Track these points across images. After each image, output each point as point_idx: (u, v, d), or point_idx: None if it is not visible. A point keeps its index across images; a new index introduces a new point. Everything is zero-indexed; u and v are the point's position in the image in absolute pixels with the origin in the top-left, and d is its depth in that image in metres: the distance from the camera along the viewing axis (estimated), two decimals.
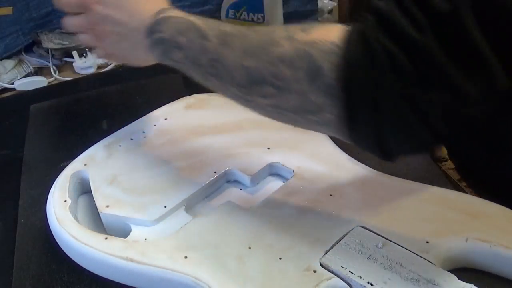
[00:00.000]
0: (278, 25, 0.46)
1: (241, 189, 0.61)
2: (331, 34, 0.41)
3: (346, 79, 0.39)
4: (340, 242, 0.51)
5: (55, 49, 1.01)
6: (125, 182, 0.60)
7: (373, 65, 0.38)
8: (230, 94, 0.49)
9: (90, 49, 0.63)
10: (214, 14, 1.05)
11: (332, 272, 0.48)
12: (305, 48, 0.41)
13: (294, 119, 0.46)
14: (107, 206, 0.57)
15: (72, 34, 1.02)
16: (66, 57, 1.02)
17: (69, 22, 0.65)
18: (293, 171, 0.60)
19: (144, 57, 0.58)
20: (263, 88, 0.45)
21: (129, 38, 0.58)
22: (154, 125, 0.69)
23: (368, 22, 0.40)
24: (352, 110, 0.40)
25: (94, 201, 0.58)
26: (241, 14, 0.78)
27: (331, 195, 0.57)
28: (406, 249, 0.50)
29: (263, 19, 0.77)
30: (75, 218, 0.57)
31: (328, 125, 0.43)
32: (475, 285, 0.46)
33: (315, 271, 0.49)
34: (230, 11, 0.79)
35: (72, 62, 1.00)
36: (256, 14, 0.77)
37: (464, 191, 0.62)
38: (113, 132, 0.68)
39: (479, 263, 0.51)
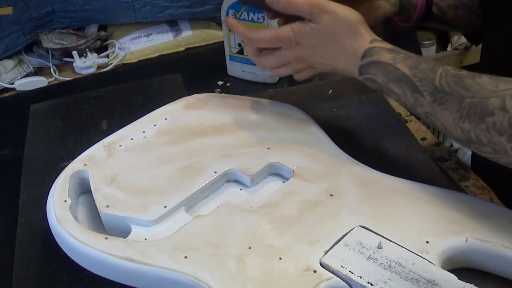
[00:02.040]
0: (488, 83, 0.50)
1: (241, 189, 0.61)
2: None
3: None
4: (340, 242, 0.51)
5: (55, 49, 1.01)
6: (125, 182, 0.60)
7: None
8: (449, 137, 0.54)
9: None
10: (214, 14, 1.05)
11: (332, 272, 0.49)
12: None
13: (507, 165, 0.50)
14: (107, 206, 0.57)
15: (74, 35, 1.03)
16: (66, 57, 1.02)
17: (268, 60, 0.64)
18: (293, 171, 0.60)
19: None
20: (480, 147, 0.50)
21: (340, 71, 0.61)
22: (154, 125, 0.69)
23: None
24: None
25: (94, 201, 0.58)
26: (241, 14, 0.79)
27: (331, 195, 0.57)
28: (406, 249, 0.50)
29: (263, 19, 0.77)
30: (75, 218, 0.57)
31: None
32: (475, 285, 0.46)
33: (315, 271, 0.49)
34: (230, 11, 0.79)
35: (72, 62, 1.00)
36: (256, 14, 0.77)
37: (464, 191, 0.62)
38: (113, 132, 0.68)
39: (479, 263, 0.51)
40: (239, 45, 0.85)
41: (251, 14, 0.78)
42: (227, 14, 0.81)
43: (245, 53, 0.84)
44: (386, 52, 0.56)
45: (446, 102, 0.51)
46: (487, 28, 0.70)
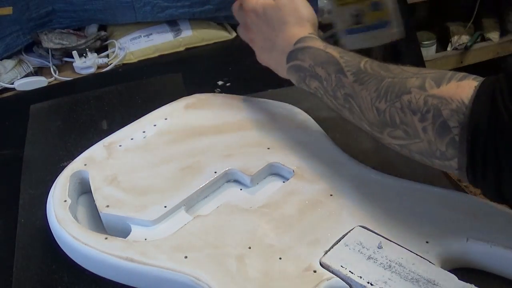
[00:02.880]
0: (411, 69, 0.49)
1: (241, 189, 0.61)
2: (461, 92, 0.43)
3: (471, 139, 0.42)
4: (340, 242, 0.51)
5: (55, 49, 1.01)
6: (125, 182, 0.60)
7: (497, 130, 0.40)
8: (362, 127, 0.53)
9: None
10: (214, 14, 1.05)
11: (332, 272, 0.49)
12: (435, 103, 0.44)
13: (420, 158, 0.48)
14: (107, 206, 0.57)
15: (74, 35, 1.03)
16: (66, 57, 1.02)
17: (236, 13, 0.69)
18: (293, 171, 0.60)
19: (284, 75, 0.63)
20: (393, 131, 0.48)
21: (274, 55, 0.63)
22: (154, 125, 0.69)
23: (499, 85, 0.41)
24: (475, 167, 0.43)
25: (94, 201, 0.58)
26: None
27: (331, 195, 0.57)
28: (406, 249, 0.50)
29: None
30: (75, 218, 0.57)
31: (452, 169, 0.46)
32: (475, 285, 0.46)
33: (315, 271, 0.49)
34: None
35: (72, 62, 1.00)
36: None
37: (464, 191, 0.62)
38: (113, 132, 0.68)
39: (479, 263, 0.51)
40: (356, 16, 0.76)
41: None
42: None
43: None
44: (319, 41, 0.58)
45: (366, 82, 0.50)
46: None
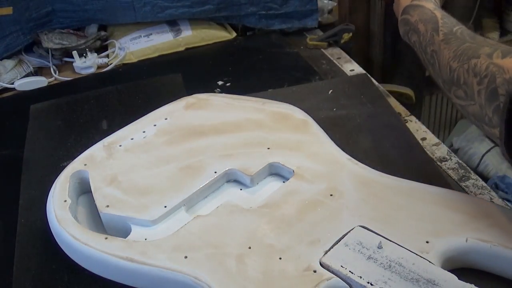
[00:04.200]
0: (493, 42, 0.52)
1: (241, 189, 0.61)
2: None
3: (510, 107, 0.44)
4: (340, 242, 0.51)
5: (55, 49, 1.01)
6: (125, 182, 0.60)
7: None
8: (439, 84, 0.56)
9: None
10: (214, 14, 1.05)
11: (332, 272, 0.48)
12: (494, 70, 0.46)
13: (474, 122, 0.51)
14: (107, 206, 0.57)
15: (74, 35, 1.03)
16: (66, 57, 1.02)
17: None
18: (293, 171, 0.60)
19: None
20: (457, 90, 0.51)
21: (397, 4, 0.68)
22: (154, 125, 0.69)
23: None
24: (510, 139, 0.45)
25: (94, 201, 0.58)
26: None
27: (331, 195, 0.57)
28: (406, 249, 0.50)
29: None
30: (75, 218, 0.57)
31: (496, 138, 0.47)
32: (475, 285, 0.46)
33: (315, 271, 0.49)
34: None
35: (72, 62, 1.00)
36: None
37: (464, 191, 0.62)
38: (113, 132, 0.68)
39: (479, 263, 0.51)
40: None
41: None
42: None
43: None
44: (432, 3, 0.63)
45: (451, 42, 0.54)
46: None
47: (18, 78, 0.97)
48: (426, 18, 0.60)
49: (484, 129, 0.49)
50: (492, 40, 0.51)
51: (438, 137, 0.74)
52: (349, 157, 0.62)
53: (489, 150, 1.41)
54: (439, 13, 0.60)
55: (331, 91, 0.82)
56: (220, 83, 0.90)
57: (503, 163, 1.37)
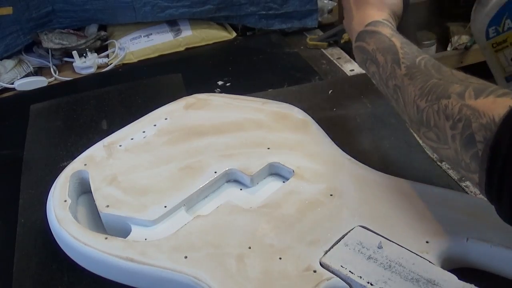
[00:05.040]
0: (461, 74, 0.48)
1: (241, 189, 0.61)
2: (495, 108, 0.42)
3: (491, 158, 0.41)
4: (340, 242, 0.51)
5: (55, 49, 1.01)
6: (125, 182, 0.60)
7: None
8: (404, 121, 0.53)
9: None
10: (214, 14, 1.05)
11: (332, 272, 0.48)
12: (468, 113, 0.43)
13: (449, 165, 0.50)
14: (107, 206, 0.57)
15: (74, 35, 1.03)
16: (66, 57, 1.02)
17: None
18: (293, 171, 0.60)
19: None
20: (427, 131, 0.48)
21: (350, 27, 0.64)
22: (154, 125, 0.69)
23: None
24: (492, 186, 0.42)
25: (94, 201, 0.58)
26: (503, 26, 0.70)
27: (331, 195, 0.57)
28: (406, 249, 0.50)
29: None
30: (75, 218, 0.57)
31: (474, 183, 0.45)
32: (475, 285, 0.46)
33: (315, 271, 0.49)
34: (490, 29, 0.71)
35: (72, 62, 1.00)
36: None
37: (464, 191, 0.62)
38: (113, 132, 0.68)
39: (479, 263, 0.51)
40: None
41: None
42: (487, 35, 0.72)
43: None
44: (389, 28, 0.58)
45: (415, 77, 0.50)
46: None
47: (18, 78, 0.97)
48: (385, 47, 0.56)
49: (461, 172, 0.46)
50: (461, 73, 0.48)
51: None
52: (349, 157, 0.62)
53: None
54: (398, 41, 0.55)
55: (331, 91, 0.82)
56: (220, 83, 0.90)
57: None
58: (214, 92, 0.87)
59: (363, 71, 0.89)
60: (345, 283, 0.48)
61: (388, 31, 0.58)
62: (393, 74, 0.53)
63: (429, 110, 0.47)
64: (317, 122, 0.68)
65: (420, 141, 0.51)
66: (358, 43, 0.60)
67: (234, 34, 1.07)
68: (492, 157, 0.40)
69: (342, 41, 0.99)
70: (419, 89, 0.49)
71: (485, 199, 0.52)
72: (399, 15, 0.63)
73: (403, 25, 0.63)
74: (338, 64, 0.93)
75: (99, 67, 1.01)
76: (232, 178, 0.62)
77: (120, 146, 0.65)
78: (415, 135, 0.51)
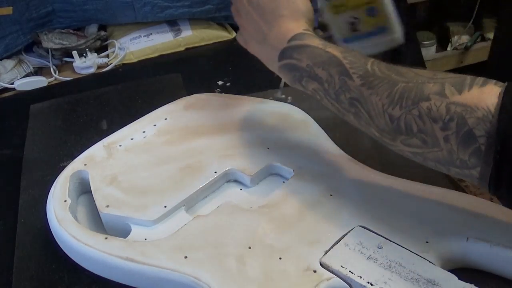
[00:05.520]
0: (425, 72, 0.45)
1: (241, 189, 0.61)
2: (486, 98, 0.41)
3: (500, 149, 0.40)
4: (340, 242, 0.51)
5: (55, 49, 1.01)
6: (125, 182, 0.60)
7: None
8: (369, 132, 0.49)
9: None
10: (214, 14, 1.05)
11: (332, 272, 0.49)
12: (458, 111, 0.42)
13: (435, 166, 0.46)
14: (107, 206, 0.57)
15: (74, 35, 1.03)
16: (66, 57, 1.02)
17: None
18: (293, 171, 0.60)
19: (275, 70, 0.58)
20: (408, 139, 0.45)
21: (265, 48, 0.58)
22: (154, 125, 0.69)
23: None
24: (501, 178, 0.41)
25: (94, 201, 0.58)
26: None
27: (331, 195, 0.57)
28: (406, 249, 0.50)
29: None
30: (75, 218, 0.57)
31: (472, 178, 0.44)
32: (475, 285, 0.46)
33: (315, 271, 0.49)
34: None
35: (72, 62, 1.00)
36: None
37: (464, 191, 0.62)
38: (113, 132, 0.68)
39: (479, 263, 0.51)
40: (352, 23, 0.72)
41: None
42: None
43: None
44: (317, 39, 0.54)
45: (376, 86, 0.46)
46: (499, 26, 0.70)
47: (18, 78, 0.97)
48: (324, 61, 0.51)
49: (451, 171, 0.45)
50: (424, 71, 0.46)
51: None
52: (349, 157, 0.62)
53: None
54: (336, 51, 0.51)
55: None
56: (220, 83, 0.90)
57: None
58: (214, 92, 0.87)
59: None
60: (345, 283, 0.48)
61: (317, 42, 0.53)
62: (345, 87, 0.49)
63: (408, 117, 0.44)
64: (317, 122, 0.68)
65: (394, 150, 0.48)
66: (285, 62, 0.54)
67: (234, 34, 1.07)
68: (501, 147, 0.39)
69: None
70: (387, 97, 0.46)
71: (485, 199, 0.52)
72: (312, 20, 0.59)
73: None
74: None
75: (99, 67, 1.01)
76: (232, 178, 0.62)
77: (120, 146, 0.65)
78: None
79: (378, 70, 0.48)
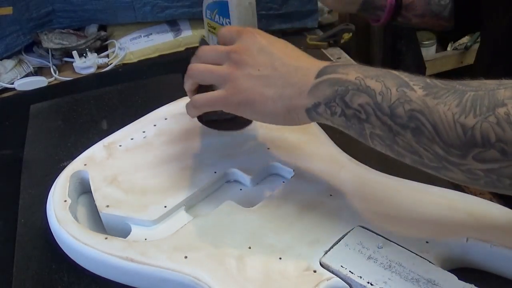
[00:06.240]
0: (489, 81, 0.42)
1: (241, 189, 0.61)
2: None
3: None
4: (340, 242, 0.51)
5: (55, 49, 1.01)
6: (125, 182, 0.60)
7: None
8: (428, 152, 0.43)
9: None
10: None
11: (332, 272, 0.49)
12: None
13: (509, 185, 0.41)
14: (107, 206, 0.57)
15: (74, 35, 1.03)
16: (66, 57, 1.02)
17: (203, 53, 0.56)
18: (293, 171, 0.60)
19: (299, 106, 0.49)
20: (483, 152, 0.40)
21: (283, 88, 0.50)
22: (154, 125, 0.69)
23: None
24: None
25: (94, 201, 0.58)
26: (214, 16, 0.79)
27: (331, 195, 0.57)
28: (406, 249, 0.50)
29: (230, 25, 0.77)
30: (75, 218, 0.57)
31: None
32: (475, 285, 0.46)
33: (315, 271, 0.49)
34: (208, 11, 0.80)
35: (72, 62, 1.00)
36: (224, 19, 0.77)
37: (464, 191, 0.62)
38: (113, 132, 0.68)
39: (479, 263, 0.51)
40: None
41: (221, 18, 0.78)
42: (205, 14, 0.81)
43: None
44: (352, 65, 0.49)
45: (443, 95, 0.42)
46: (484, 28, 0.70)
47: (18, 78, 0.97)
48: (377, 74, 0.45)
49: None
50: (489, 80, 0.43)
51: None
52: (349, 157, 0.62)
53: None
54: (386, 69, 0.46)
55: None
56: None
57: None
58: None
59: None
60: (345, 283, 0.48)
61: (355, 66, 0.48)
62: (405, 99, 0.43)
63: (484, 125, 0.40)
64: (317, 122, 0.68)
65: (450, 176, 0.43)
66: (326, 77, 0.48)
67: None
68: None
69: (342, 41, 0.99)
70: (457, 106, 0.41)
71: (485, 199, 0.51)
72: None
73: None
74: None
75: (99, 67, 1.01)
76: (232, 178, 0.62)
77: (120, 146, 0.65)
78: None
79: (439, 82, 0.43)
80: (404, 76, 0.45)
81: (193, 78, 0.57)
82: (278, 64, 0.50)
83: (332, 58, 0.96)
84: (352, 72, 0.47)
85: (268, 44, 0.52)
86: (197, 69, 0.55)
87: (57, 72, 1.00)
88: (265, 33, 0.54)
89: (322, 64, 0.50)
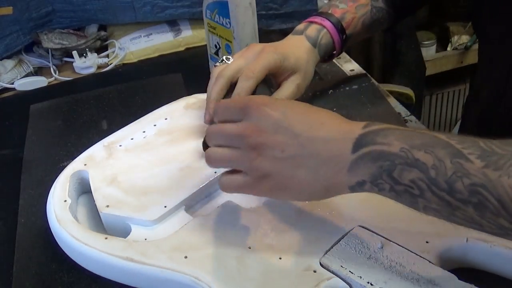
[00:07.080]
0: None
1: None
2: None
3: None
4: (340, 242, 0.51)
5: (55, 49, 1.01)
6: (125, 182, 0.60)
7: None
8: (492, 227, 0.40)
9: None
10: None
11: (332, 272, 0.49)
12: None
13: None
14: (107, 206, 0.57)
15: (74, 35, 1.03)
16: (66, 57, 1.02)
17: (218, 153, 0.49)
18: None
19: (340, 184, 0.45)
20: None
21: (316, 165, 0.45)
22: (154, 125, 0.69)
23: None
24: None
25: (94, 201, 0.58)
26: (214, 16, 0.79)
27: None
28: (406, 249, 0.50)
29: (230, 25, 0.78)
30: (75, 218, 0.57)
31: None
32: (475, 285, 0.46)
33: (315, 271, 0.49)
34: (208, 11, 0.81)
35: (72, 62, 1.00)
36: (224, 19, 0.78)
37: None
38: (113, 132, 0.68)
39: (479, 263, 0.51)
40: (215, 46, 0.84)
41: (221, 18, 0.78)
42: (205, 14, 0.82)
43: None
44: (386, 124, 0.44)
45: (504, 165, 0.38)
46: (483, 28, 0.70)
47: (18, 78, 0.97)
48: (424, 142, 0.41)
49: None
50: None
51: None
52: None
53: None
54: (427, 131, 0.43)
55: (331, 91, 0.82)
56: None
57: None
58: None
59: (363, 71, 0.90)
60: (345, 283, 0.48)
61: (395, 126, 0.44)
62: (462, 172, 0.39)
63: None
64: None
65: None
66: (365, 150, 0.43)
67: None
68: None
69: None
70: None
71: None
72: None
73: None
74: (338, 64, 0.93)
75: (99, 67, 1.01)
76: None
77: (120, 146, 0.65)
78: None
79: (496, 147, 0.39)
80: (455, 142, 0.40)
81: (214, 166, 0.52)
82: (303, 140, 0.45)
83: None
84: (394, 142, 0.42)
85: (282, 117, 0.46)
86: (215, 157, 0.49)
87: (57, 72, 1.00)
88: (272, 99, 0.50)
89: (353, 131, 0.44)
